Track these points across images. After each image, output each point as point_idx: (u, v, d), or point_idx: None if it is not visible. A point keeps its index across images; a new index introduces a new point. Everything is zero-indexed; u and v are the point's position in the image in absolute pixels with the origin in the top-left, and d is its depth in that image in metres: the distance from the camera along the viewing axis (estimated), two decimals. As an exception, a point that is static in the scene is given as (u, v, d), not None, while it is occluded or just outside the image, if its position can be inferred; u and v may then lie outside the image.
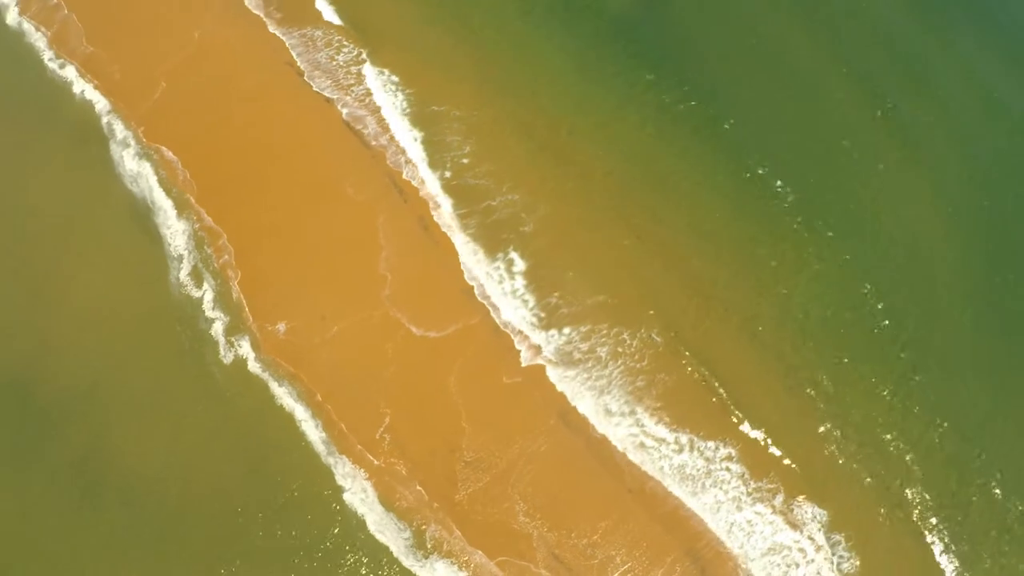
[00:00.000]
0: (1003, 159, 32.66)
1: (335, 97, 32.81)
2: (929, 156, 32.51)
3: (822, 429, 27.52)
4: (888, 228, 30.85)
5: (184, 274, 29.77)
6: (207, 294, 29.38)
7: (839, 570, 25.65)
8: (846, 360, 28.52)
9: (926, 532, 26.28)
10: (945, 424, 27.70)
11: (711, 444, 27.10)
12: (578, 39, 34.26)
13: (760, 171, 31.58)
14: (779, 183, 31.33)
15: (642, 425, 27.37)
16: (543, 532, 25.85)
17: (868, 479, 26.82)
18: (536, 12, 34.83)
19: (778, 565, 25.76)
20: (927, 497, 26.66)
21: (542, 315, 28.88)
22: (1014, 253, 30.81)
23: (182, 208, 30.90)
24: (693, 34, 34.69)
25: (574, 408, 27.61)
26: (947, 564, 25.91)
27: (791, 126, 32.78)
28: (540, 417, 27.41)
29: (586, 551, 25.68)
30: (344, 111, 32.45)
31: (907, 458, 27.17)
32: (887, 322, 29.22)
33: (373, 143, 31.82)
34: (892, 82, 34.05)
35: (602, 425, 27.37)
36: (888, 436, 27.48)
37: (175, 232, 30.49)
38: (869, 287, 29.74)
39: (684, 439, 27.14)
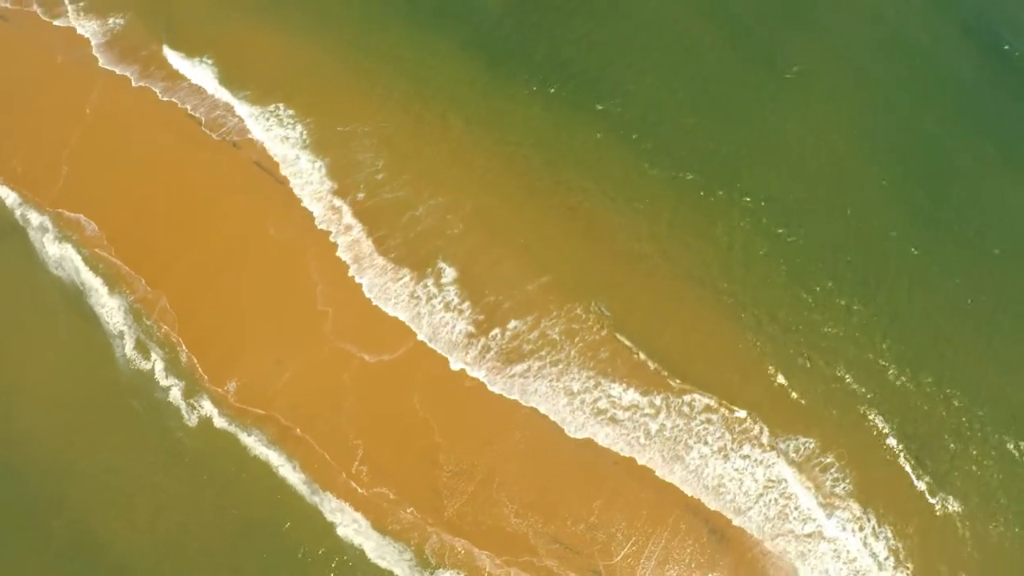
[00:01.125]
0: (905, 84, 33.63)
1: (240, 139, 32.26)
2: (833, 89, 33.17)
3: (777, 367, 27.73)
4: (803, 161, 31.24)
5: (130, 349, 29.25)
6: (157, 364, 28.86)
7: (832, 493, 25.82)
8: (798, 296, 28.81)
9: (899, 448, 26.70)
10: (889, 340, 28.21)
11: (687, 398, 27.07)
12: (455, 38, 34.31)
13: (650, 119, 32.13)
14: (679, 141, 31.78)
15: (610, 396, 27.28)
16: (540, 526, 25.77)
17: (834, 411, 27.15)
18: (416, 18, 34.83)
19: (775, 501, 25.86)
20: (894, 416, 27.15)
21: (480, 318, 28.50)
22: (934, 173, 31.57)
23: (113, 284, 30.23)
24: (566, 15, 35.07)
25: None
26: (922, 478, 26.33)
27: (685, 84, 33.18)
28: (511, 410, 27.30)
29: (586, 535, 25.65)
30: (255, 149, 31.91)
31: (868, 382, 27.64)
32: (825, 254, 29.65)
33: (286, 178, 31.40)
34: (781, 25, 34.67)
35: (562, 416, 27.27)
36: (842, 364, 27.85)
37: (111, 309, 29.86)
38: (796, 220, 30.02)
39: (658, 400, 27.08)
